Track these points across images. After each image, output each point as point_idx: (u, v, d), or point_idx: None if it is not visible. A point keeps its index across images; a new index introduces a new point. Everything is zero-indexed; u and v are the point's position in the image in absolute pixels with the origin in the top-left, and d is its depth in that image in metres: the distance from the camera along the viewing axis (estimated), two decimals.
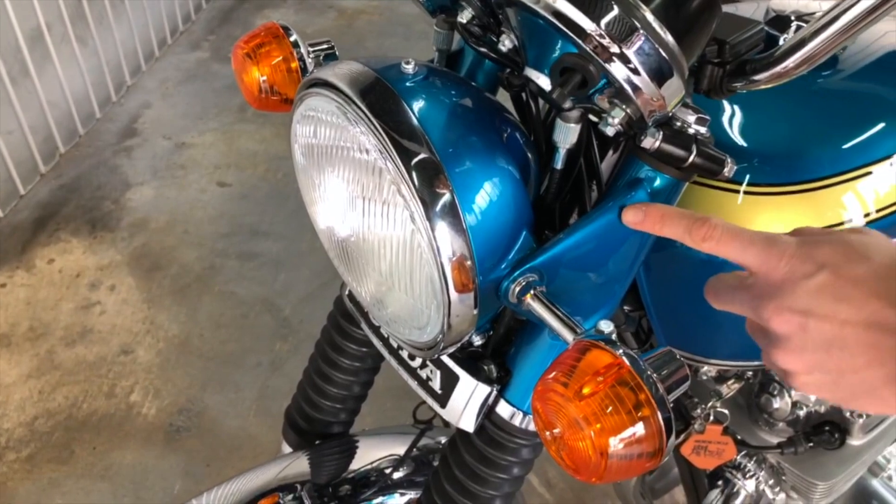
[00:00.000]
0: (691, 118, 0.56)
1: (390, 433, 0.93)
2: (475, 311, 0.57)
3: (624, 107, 0.51)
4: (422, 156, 0.54)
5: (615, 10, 0.48)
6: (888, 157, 0.75)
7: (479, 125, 0.57)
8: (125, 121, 2.84)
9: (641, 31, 0.48)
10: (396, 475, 0.89)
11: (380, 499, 0.86)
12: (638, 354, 0.49)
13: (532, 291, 0.56)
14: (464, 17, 0.60)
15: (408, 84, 0.56)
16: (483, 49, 0.60)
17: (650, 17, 0.48)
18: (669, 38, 0.49)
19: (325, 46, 0.76)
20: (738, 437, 0.92)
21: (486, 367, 0.68)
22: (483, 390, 0.67)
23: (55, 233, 2.36)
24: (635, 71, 0.49)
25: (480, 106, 0.59)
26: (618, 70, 0.49)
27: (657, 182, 0.59)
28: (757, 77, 0.57)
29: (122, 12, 2.90)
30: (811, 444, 0.91)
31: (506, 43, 0.56)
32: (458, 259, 0.55)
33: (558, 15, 0.48)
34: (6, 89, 2.35)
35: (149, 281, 2.22)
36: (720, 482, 0.99)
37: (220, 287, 2.20)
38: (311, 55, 0.74)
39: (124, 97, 2.96)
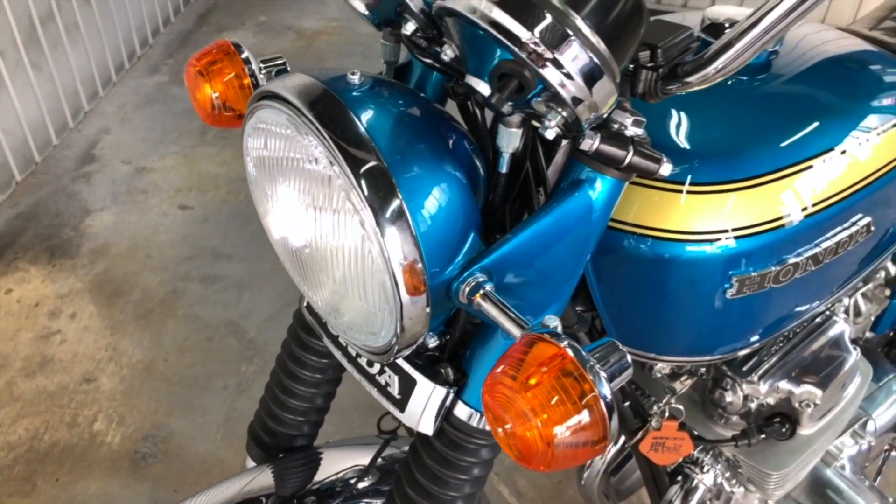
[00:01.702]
0: (628, 121, 0.59)
1: (354, 444, 0.93)
2: (427, 313, 0.59)
3: (560, 110, 0.53)
4: (370, 164, 0.56)
5: (548, 19, 0.50)
6: (822, 153, 0.79)
7: (425, 133, 0.59)
8: (83, 147, 2.82)
9: (573, 38, 0.51)
10: (361, 485, 0.89)
11: None
12: (582, 346, 0.51)
13: (481, 291, 0.57)
14: (408, 29, 0.63)
15: (354, 94, 0.57)
16: (427, 60, 0.62)
17: (581, 24, 0.51)
18: (600, 43, 0.52)
19: (277, 63, 0.77)
20: (695, 433, 0.95)
21: (442, 371, 0.69)
22: (440, 393, 0.69)
23: (13, 262, 2.33)
24: (568, 75, 0.51)
25: (427, 115, 0.61)
26: (552, 75, 0.51)
27: (598, 183, 0.61)
28: (689, 79, 0.60)
29: (78, 38, 2.88)
30: (763, 436, 0.94)
31: (448, 53, 0.58)
32: (409, 263, 0.57)
33: (494, 24, 0.51)
34: None
35: (111, 307, 2.19)
36: (679, 478, 1.02)
37: (183, 311, 2.18)
38: (263, 71, 0.76)
39: (82, 123, 2.93)
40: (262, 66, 0.76)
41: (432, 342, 0.66)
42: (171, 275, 2.30)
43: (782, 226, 0.76)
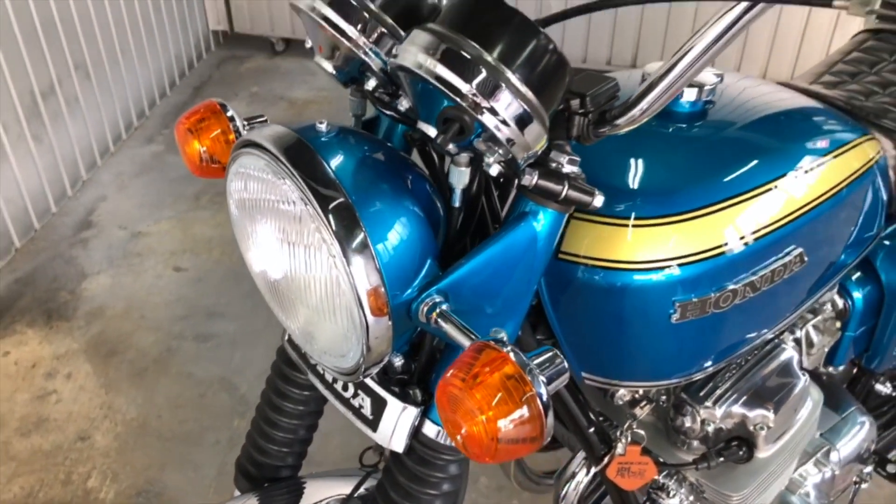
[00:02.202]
0: (564, 160, 0.67)
1: (337, 476, 0.99)
2: (390, 332, 0.66)
3: (497, 149, 0.61)
4: (337, 201, 0.64)
5: (483, 73, 0.59)
6: (754, 189, 0.87)
7: (386, 174, 0.67)
8: (81, 214, 2.91)
9: (505, 89, 0.59)
10: None
11: None
12: (525, 354, 0.58)
13: (438, 310, 0.65)
14: (370, 85, 0.71)
15: (322, 140, 0.66)
16: (388, 112, 0.71)
17: (511, 77, 0.60)
18: (528, 93, 0.60)
19: (258, 121, 0.86)
20: (659, 458, 1.00)
21: (411, 392, 0.76)
22: (409, 412, 0.75)
23: (10, 325, 2.38)
24: (503, 121, 0.60)
25: (388, 158, 0.69)
26: (489, 120, 0.60)
27: (541, 215, 0.69)
28: (618, 122, 0.68)
29: (77, 110, 3.01)
30: (722, 459, 0.99)
31: (403, 104, 0.67)
32: (373, 288, 0.64)
33: (438, 78, 0.59)
34: None
35: (106, 367, 2.24)
36: (648, 502, 1.07)
37: (177, 368, 2.23)
38: (246, 128, 0.84)
39: (80, 191, 3.03)
40: (245, 123, 0.84)
41: (398, 361, 0.73)
42: (166, 334, 2.35)
43: (720, 254, 0.83)
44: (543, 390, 0.57)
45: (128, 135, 3.39)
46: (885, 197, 1.11)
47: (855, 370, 1.47)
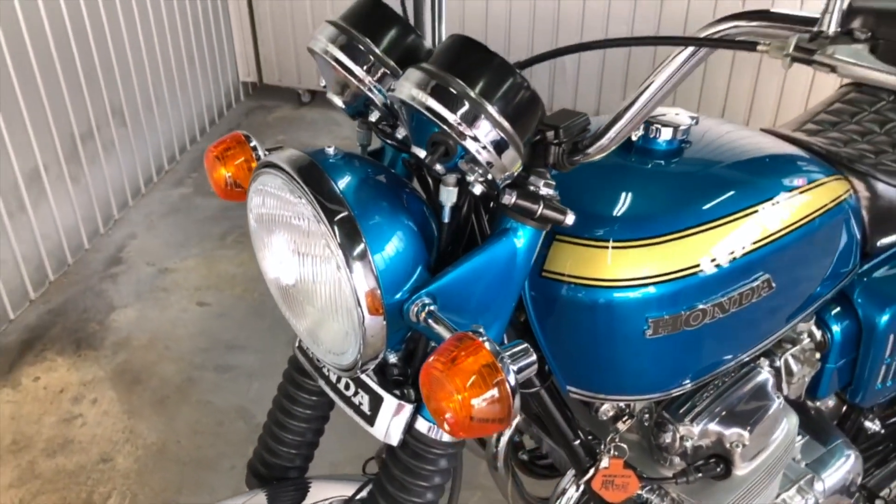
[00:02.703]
0: (541, 183, 0.77)
1: (341, 479, 1.06)
2: (384, 330, 0.75)
3: (478, 169, 0.71)
4: (342, 214, 0.74)
5: (467, 105, 0.70)
6: (724, 217, 0.96)
7: (385, 192, 0.77)
8: (112, 250, 3.05)
9: (485, 119, 0.70)
10: None
11: None
12: (500, 345, 0.67)
13: (426, 310, 0.74)
14: (373, 117, 0.82)
15: (330, 162, 0.76)
16: (389, 141, 0.81)
17: (490, 109, 0.70)
18: (505, 123, 0.70)
19: (278, 147, 0.97)
20: (640, 472, 1.07)
21: (406, 391, 0.84)
22: (403, 408, 0.84)
23: (41, 353, 2.50)
24: (483, 146, 0.70)
25: (387, 179, 0.80)
26: (470, 144, 0.70)
27: (520, 231, 0.79)
28: (588, 151, 0.78)
29: (113, 154, 3.17)
30: (700, 474, 1.06)
31: (400, 132, 0.77)
32: (370, 290, 0.73)
33: (429, 109, 0.70)
34: (3, 223, 2.56)
35: (129, 393, 2.34)
36: None
37: (197, 397, 2.32)
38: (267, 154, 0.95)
39: (111, 229, 3.18)
40: (266, 152, 0.95)
41: (392, 358, 0.82)
42: (187, 364, 2.45)
43: (690, 275, 0.92)
44: (512, 377, 0.65)
45: (159, 178, 3.56)
46: (858, 235, 1.19)
47: (844, 407, 1.53)
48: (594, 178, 0.99)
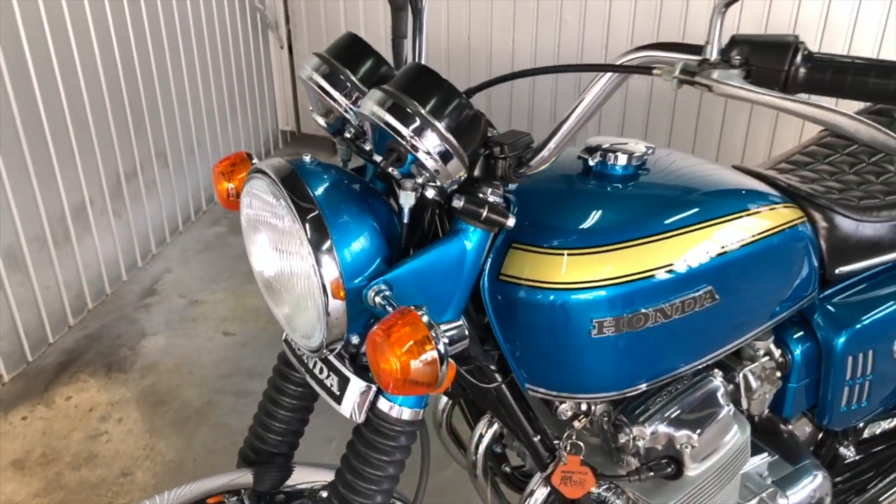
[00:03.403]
0: (488, 191, 0.90)
1: (322, 467, 1.17)
2: (345, 315, 0.87)
3: (425, 173, 0.84)
4: (312, 213, 0.87)
5: (418, 121, 0.83)
6: (668, 231, 1.06)
7: (352, 195, 0.90)
8: (147, 283, 3.23)
9: (432, 132, 0.83)
10: (324, 494, 1.12)
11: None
12: (436, 323, 0.79)
13: (381, 295, 0.86)
14: (348, 133, 0.96)
15: (307, 168, 0.90)
16: (361, 154, 0.95)
17: (438, 125, 0.83)
18: (451, 137, 0.83)
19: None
20: (596, 470, 1.16)
21: (369, 373, 0.96)
22: (367, 388, 0.95)
23: (75, 374, 2.67)
24: (431, 156, 0.83)
25: (357, 185, 0.93)
26: (421, 154, 0.83)
27: (470, 231, 0.91)
28: (531, 164, 0.91)
29: (154, 193, 3.39)
30: (651, 473, 1.14)
31: (367, 145, 0.91)
32: (334, 280, 0.86)
33: (386, 123, 0.83)
34: (49, 251, 2.77)
35: (153, 414, 2.48)
36: None
37: (216, 419, 2.45)
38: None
39: (148, 264, 3.37)
40: None
41: (355, 340, 0.93)
42: (209, 389, 2.59)
43: (634, 281, 1.02)
44: (442, 347, 0.77)
45: (196, 217, 3.76)
46: (815, 262, 1.28)
47: (820, 434, 1.58)
48: (554, 198, 1.11)
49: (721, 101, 3.41)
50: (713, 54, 0.74)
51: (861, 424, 1.58)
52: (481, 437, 1.39)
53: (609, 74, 0.84)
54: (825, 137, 1.67)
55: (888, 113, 1.69)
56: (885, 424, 1.82)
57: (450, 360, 0.91)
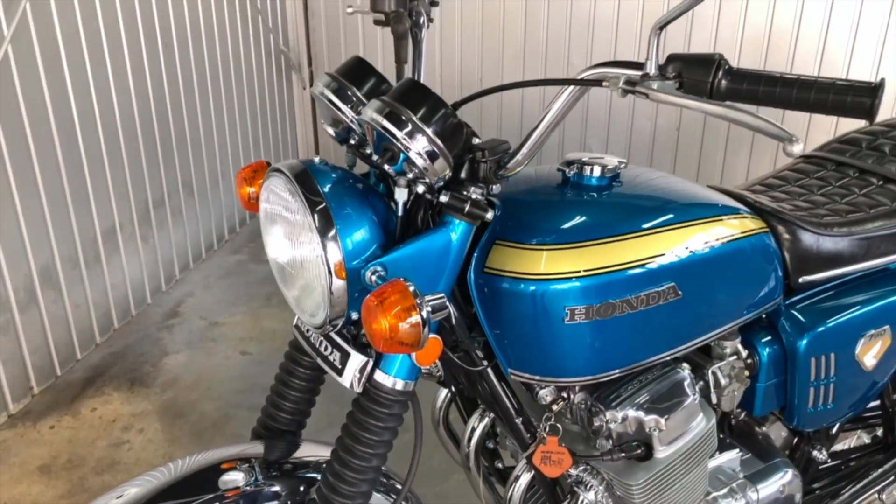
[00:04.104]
0: (472, 189, 1.04)
1: (329, 444, 1.29)
2: (346, 294, 1.01)
3: (415, 170, 0.99)
4: (321, 205, 1.02)
5: (409, 126, 0.98)
6: (637, 232, 1.19)
7: (355, 192, 1.05)
8: (170, 305, 3.40)
9: (421, 135, 0.98)
10: None
11: (313, 474, 1.22)
12: (422, 294, 0.93)
13: (376, 275, 1.00)
14: (353, 140, 1.12)
15: (318, 169, 1.05)
16: (365, 159, 1.10)
17: (427, 130, 0.98)
18: (437, 140, 0.98)
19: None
20: (573, 451, 1.28)
21: (368, 349, 1.10)
22: (365, 361, 1.08)
23: (101, 388, 2.82)
24: (420, 155, 0.98)
25: (359, 184, 1.08)
26: (412, 154, 0.98)
27: (456, 223, 1.06)
28: (509, 166, 1.05)
29: (180, 221, 3.58)
30: (623, 454, 1.25)
31: (368, 149, 1.06)
32: (337, 262, 1.00)
33: (384, 128, 0.99)
34: (81, 272, 2.94)
35: (172, 426, 2.62)
36: (569, 495, 1.32)
37: (231, 431, 2.58)
38: None
39: (172, 288, 3.55)
40: None
41: (354, 316, 1.06)
42: (226, 403, 2.73)
43: (603, 274, 1.15)
44: (425, 313, 0.91)
45: (219, 245, 3.95)
46: (780, 270, 1.41)
47: (795, 439, 1.69)
48: (535, 203, 1.25)
49: (699, 132, 3.71)
50: (652, 69, 0.89)
51: (833, 430, 1.68)
52: (473, 430, 1.51)
53: (570, 88, 0.99)
54: (798, 164, 1.81)
55: (856, 142, 1.82)
56: (858, 440, 1.92)
57: (437, 336, 1.05)
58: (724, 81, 0.86)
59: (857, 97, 0.81)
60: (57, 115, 2.73)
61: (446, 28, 4.06)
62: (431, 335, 1.04)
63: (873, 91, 0.80)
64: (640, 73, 0.90)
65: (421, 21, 1.30)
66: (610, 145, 3.92)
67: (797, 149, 0.75)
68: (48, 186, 2.72)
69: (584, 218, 1.21)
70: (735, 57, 3.53)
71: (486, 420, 1.51)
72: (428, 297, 0.93)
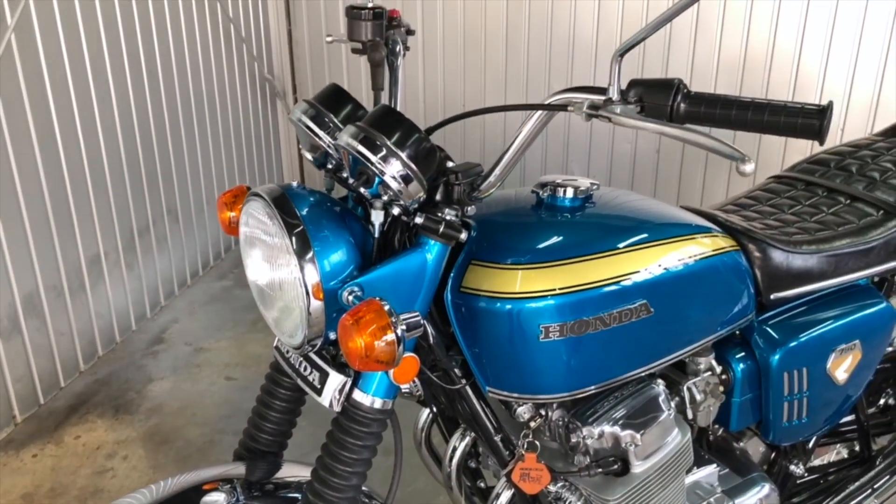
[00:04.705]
0: (447, 210, 1.07)
1: (310, 464, 1.31)
2: (324, 314, 1.03)
3: (390, 192, 1.02)
4: (298, 228, 1.04)
5: (384, 151, 1.01)
6: (610, 251, 1.23)
7: (332, 215, 1.08)
8: (155, 332, 3.40)
9: (395, 160, 1.01)
10: None
11: (294, 494, 1.23)
12: (396, 313, 0.96)
13: (353, 295, 1.03)
14: (330, 165, 1.15)
15: (294, 191, 1.08)
16: (342, 183, 1.13)
17: (402, 154, 1.01)
18: (411, 164, 1.02)
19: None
20: (551, 467, 1.30)
21: (347, 369, 1.12)
22: (343, 381, 1.10)
23: (84, 415, 2.81)
24: (394, 178, 1.01)
25: (336, 207, 1.10)
26: (387, 178, 1.01)
27: (431, 243, 1.08)
28: (481, 188, 1.09)
29: (166, 248, 3.59)
30: (600, 469, 1.27)
31: (344, 174, 1.09)
32: (315, 284, 1.03)
33: (359, 152, 1.02)
34: (66, 300, 2.95)
35: (157, 452, 2.61)
36: None
37: (216, 456, 2.58)
38: None
39: (157, 314, 3.55)
40: None
41: (332, 336, 1.09)
42: (211, 429, 2.72)
43: (576, 292, 1.18)
44: (400, 331, 0.93)
45: (204, 272, 3.95)
46: (751, 287, 1.44)
47: (773, 454, 1.71)
48: (510, 225, 1.28)
49: (678, 155, 3.83)
50: (614, 94, 0.93)
51: (810, 445, 1.71)
52: (455, 449, 1.53)
53: (538, 112, 1.03)
54: (769, 184, 1.86)
55: (825, 163, 1.88)
56: (838, 455, 1.95)
57: (414, 355, 1.07)
58: (682, 105, 0.90)
59: (807, 119, 0.85)
60: (41, 143, 2.75)
61: (428, 53, 4.13)
62: (408, 353, 1.06)
63: (821, 113, 0.84)
64: (603, 97, 0.94)
65: (397, 49, 1.34)
66: (591, 168, 3.98)
67: (749, 168, 0.79)
68: (32, 215, 2.73)
69: (557, 238, 1.25)
70: (711, 81, 3.61)
71: (468, 439, 1.52)
72: (403, 316, 0.96)
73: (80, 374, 3.06)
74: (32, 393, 2.82)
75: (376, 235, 1.08)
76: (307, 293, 1.03)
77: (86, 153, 2.99)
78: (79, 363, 3.06)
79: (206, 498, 1.19)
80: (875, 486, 1.80)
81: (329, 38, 1.45)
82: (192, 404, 2.87)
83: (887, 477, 1.82)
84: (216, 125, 3.90)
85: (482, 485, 1.63)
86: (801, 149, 3.49)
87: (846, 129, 3.44)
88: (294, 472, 1.28)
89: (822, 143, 0.86)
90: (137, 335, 3.37)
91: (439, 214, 1.07)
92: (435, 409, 1.52)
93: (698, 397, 1.44)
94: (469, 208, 1.13)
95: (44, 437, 2.68)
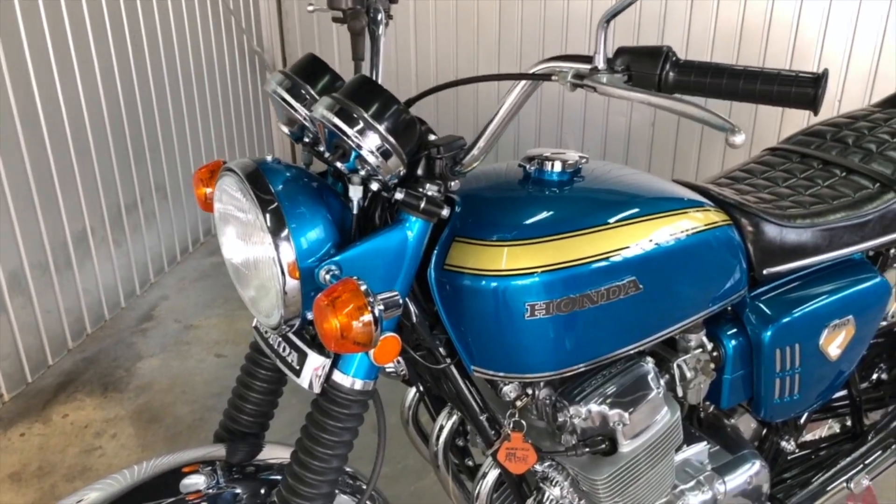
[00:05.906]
0: (428, 185, 1.03)
1: (291, 445, 1.28)
2: (300, 294, 1.00)
3: (367, 167, 0.98)
4: (273, 205, 1.00)
5: (361, 124, 0.97)
6: (599, 226, 1.19)
7: (308, 190, 1.04)
8: (145, 309, 3.37)
9: (373, 133, 0.97)
10: None
11: (276, 476, 1.20)
12: (374, 293, 0.92)
13: (331, 274, 0.99)
14: (307, 138, 1.10)
15: (269, 166, 1.04)
16: (318, 157, 1.09)
17: (380, 127, 0.97)
18: (390, 137, 0.97)
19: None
20: (538, 447, 1.27)
21: (326, 350, 1.08)
22: (323, 361, 1.07)
23: (72, 394, 2.78)
24: (372, 152, 0.97)
25: (313, 182, 1.06)
26: (364, 152, 0.97)
27: (412, 220, 1.04)
28: (464, 162, 1.05)
29: (154, 224, 3.55)
30: (587, 449, 1.25)
31: (321, 147, 1.05)
32: (291, 262, 0.99)
33: (333, 124, 0.97)
34: (51, 277, 2.91)
35: (146, 430, 2.59)
36: (535, 491, 1.32)
37: (205, 434, 2.55)
38: None
39: (147, 291, 3.51)
40: None
41: (310, 316, 1.05)
42: (200, 406, 2.70)
43: (563, 269, 1.14)
44: (377, 312, 0.90)
45: (194, 248, 3.91)
46: (744, 262, 1.41)
47: (764, 430, 1.69)
48: (496, 200, 1.24)
49: (673, 128, 3.77)
50: (601, 63, 0.88)
51: (801, 421, 1.69)
52: (441, 428, 1.51)
53: (522, 83, 0.98)
54: (764, 156, 1.82)
55: (821, 134, 1.83)
56: (830, 430, 1.94)
57: (394, 335, 1.04)
58: (671, 74, 0.86)
59: (801, 88, 0.81)
60: (23, 117, 2.69)
61: (420, 23, 4.05)
62: (389, 333, 1.03)
63: (816, 82, 0.80)
64: (588, 66, 0.90)
65: (379, 18, 1.28)
66: (585, 141, 3.93)
67: (739, 139, 0.75)
68: (15, 191, 2.68)
69: (544, 213, 1.21)
70: (707, 51, 3.55)
71: (454, 418, 1.50)
72: (381, 295, 0.92)
73: (69, 352, 3.03)
74: (19, 371, 2.79)
75: (355, 212, 1.04)
76: (282, 272, 0.99)
77: (69, 127, 2.93)
78: (67, 341, 3.03)
79: (186, 480, 1.16)
80: (867, 462, 1.78)
81: (311, 8, 1.39)
82: (182, 382, 2.85)
83: (879, 452, 1.81)
84: (204, 99, 3.83)
85: (470, 463, 1.61)
86: (798, 122, 3.44)
87: (844, 100, 3.40)
88: (275, 453, 1.25)
89: (816, 113, 0.82)
90: (127, 312, 3.34)
91: (420, 190, 1.03)
92: (421, 388, 1.50)
93: (688, 374, 1.41)
94: (452, 183, 1.09)
95: (31, 416, 2.66)
